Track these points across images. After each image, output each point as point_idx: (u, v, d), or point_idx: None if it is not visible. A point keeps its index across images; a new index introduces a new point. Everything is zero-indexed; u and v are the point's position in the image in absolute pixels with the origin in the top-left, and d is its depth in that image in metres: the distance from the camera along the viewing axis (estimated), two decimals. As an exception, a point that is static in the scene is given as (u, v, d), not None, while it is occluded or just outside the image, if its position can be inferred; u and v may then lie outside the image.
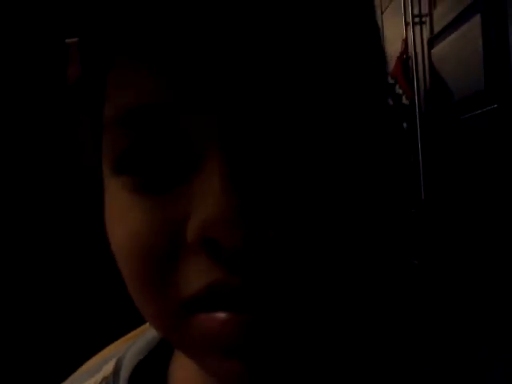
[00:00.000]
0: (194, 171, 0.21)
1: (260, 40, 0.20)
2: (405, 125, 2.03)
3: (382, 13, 2.53)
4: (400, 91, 2.05)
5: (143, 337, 0.34)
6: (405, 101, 2.03)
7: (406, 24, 2.03)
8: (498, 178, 1.40)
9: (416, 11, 1.95)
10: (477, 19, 1.45)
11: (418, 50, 2.01)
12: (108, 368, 0.33)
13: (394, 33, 2.14)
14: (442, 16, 1.75)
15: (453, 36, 1.67)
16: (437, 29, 1.82)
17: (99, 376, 0.33)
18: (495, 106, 1.38)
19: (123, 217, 0.23)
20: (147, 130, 0.22)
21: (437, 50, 1.83)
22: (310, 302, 0.22)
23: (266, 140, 0.21)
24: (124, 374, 0.32)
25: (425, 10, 1.91)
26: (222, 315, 0.21)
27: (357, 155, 0.22)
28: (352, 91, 0.22)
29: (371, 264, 0.24)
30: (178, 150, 0.21)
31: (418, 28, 2.00)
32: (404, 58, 2.05)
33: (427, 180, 1.97)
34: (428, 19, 1.93)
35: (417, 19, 1.99)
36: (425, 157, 1.97)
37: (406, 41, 2.06)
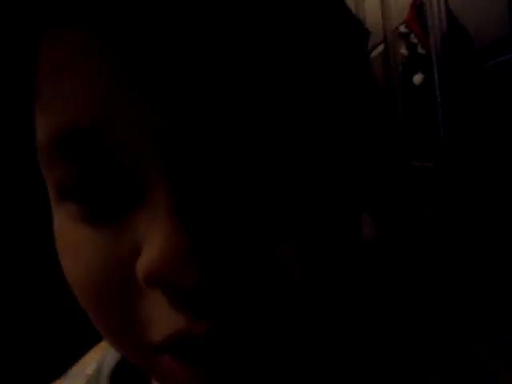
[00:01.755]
0: (139, 201, 0.20)
1: (206, 61, 0.18)
2: (421, 76, 1.93)
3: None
4: (415, 40, 1.95)
5: None
6: (421, 50, 1.93)
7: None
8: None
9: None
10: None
11: (433, -6, 1.89)
12: (91, 368, 0.33)
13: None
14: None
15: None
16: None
17: (83, 375, 0.33)
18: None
19: (73, 249, 0.22)
20: (82, 155, 0.20)
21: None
22: (279, 339, 0.21)
23: (212, 167, 0.20)
24: (105, 371, 0.32)
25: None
26: (185, 364, 0.20)
27: (313, 183, 0.21)
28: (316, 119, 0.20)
29: (344, 281, 0.23)
30: (120, 178, 0.20)
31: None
32: (418, 3, 1.93)
33: (448, 133, 1.89)
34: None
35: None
36: (444, 109, 1.89)
37: (419, -15, 1.93)
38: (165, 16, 0.18)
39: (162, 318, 0.20)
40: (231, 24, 0.19)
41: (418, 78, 1.95)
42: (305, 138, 0.20)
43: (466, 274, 1.48)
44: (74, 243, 0.21)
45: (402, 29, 2.02)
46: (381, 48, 2.75)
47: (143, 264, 0.19)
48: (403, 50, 2.03)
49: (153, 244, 0.18)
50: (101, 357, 0.33)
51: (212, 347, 0.20)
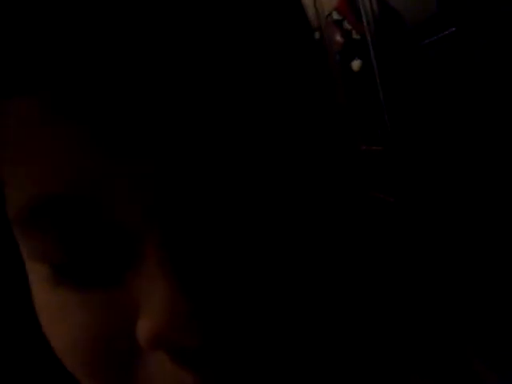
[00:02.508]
0: (130, 262, 0.19)
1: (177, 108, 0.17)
2: (359, 62, 1.94)
3: None
4: (349, 26, 1.96)
5: None
6: (355, 36, 1.94)
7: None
8: (462, 104, 1.35)
9: None
10: None
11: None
12: None
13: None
14: None
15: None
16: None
17: None
18: (453, 29, 1.31)
19: (61, 319, 0.20)
20: (60, 225, 0.19)
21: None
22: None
23: (200, 221, 0.19)
24: None
25: None
26: None
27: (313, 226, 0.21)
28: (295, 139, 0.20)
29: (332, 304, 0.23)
30: (107, 241, 0.19)
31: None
32: (348, -11, 1.94)
33: (391, 115, 1.91)
34: None
35: None
36: (385, 92, 1.91)
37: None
38: (117, 75, 0.17)
39: (165, 378, 0.19)
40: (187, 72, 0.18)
41: (356, 64, 1.97)
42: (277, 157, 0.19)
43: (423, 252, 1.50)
44: (61, 311, 0.20)
45: (335, 15, 2.02)
46: (316, 37, 2.76)
47: (144, 329, 0.18)
48: (338, 38, 2.04)
49: (152, 308, 0.18)
50: None
51: None
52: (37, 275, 0.21)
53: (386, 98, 1.88)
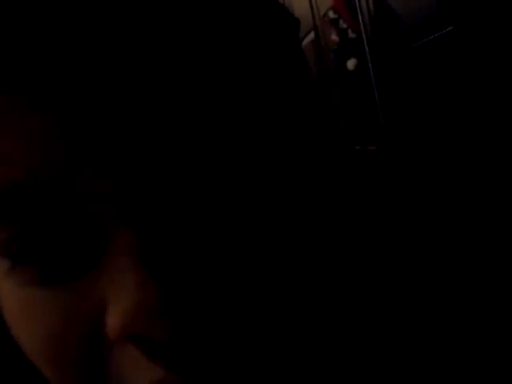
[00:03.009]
0: (98, 257, 0.19)
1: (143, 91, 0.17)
2: (355, 60, 1.94)
3: None
4: (345, 25, 1.95)
5: None
6: (351, 35, 1.93)
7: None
8: (458, 104, 1.35)
9: None
10: None
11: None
12: None
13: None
14: None
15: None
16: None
17: None
18: (451, 28, 1.30)
19: (28, 316, 0.20)
20: (27, 213, 0.18)
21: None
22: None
23: (167, 211, 0.18)
24: None
25: None
26: None
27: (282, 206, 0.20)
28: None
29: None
30: (73, 232, 0.19)
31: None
32: (344, -12, 1.93)
33: (386, 115, 1.91)
34: None
35: None
36: (380, 92, 1.90)
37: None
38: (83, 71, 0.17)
39: (136, 372, 0.19)
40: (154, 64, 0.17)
41: (351, 63, 1.96)
42: (248, 141, 0.19)
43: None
44: (28, 308, 0.20)
45: (331, 14, 2.02)
46: (311, 36, 2.76)
47: (112, 322, 0.18)
48: (334, 36, 2.03)
49: (120, 301, 0.18)
50: None
51: None
52: (6, 283, 0.20)
53: (381, 98, 1.88)
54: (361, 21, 1.86)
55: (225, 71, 0.18)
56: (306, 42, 2.61)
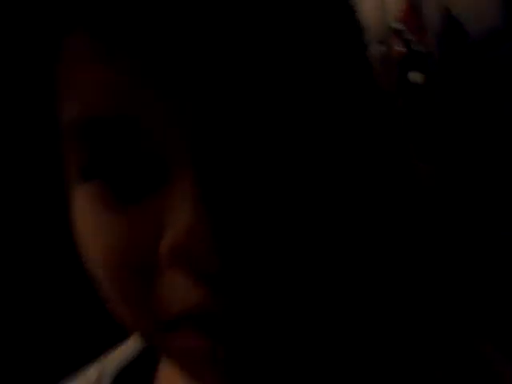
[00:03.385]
0: (164, 182, 0.20)
1: (227, 42, 0.19)
2: (418, 73, 1.89)
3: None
4: (410, 37, 1.91)
5: (126, 345, 0.35)
6: (416, 47, 1.89)
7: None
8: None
9: None
10: None
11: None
12: (92, 375, 0.34)
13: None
14: None
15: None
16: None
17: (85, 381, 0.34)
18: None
19: (95, 229, 0.22)
20: (107, 140, 0.21)
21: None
22: (291, 325, 0.22)
23: (231, 148, 0.20)
24: (106, 379, 0.33)
25: None
26: (200, 337, 0.21)
27: (340, 168, 0.22)
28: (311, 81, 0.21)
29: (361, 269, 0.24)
30: (145, 162, 0.21)
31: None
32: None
33: (446, 132, 1.84)
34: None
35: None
36: (442, 106, 1.84)
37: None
38: (173, 17, 0.19)
39: (182, 293, 0.20)
40: (233, 23, 0.19)
41: (415, 76, 1.91)
42: (307, 127, 0.21)
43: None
44: (95, 221, 0.22)
45: (397, 25, 1.98)
46: (379, 47, 2.73)
47: (167, 242, 0.20)
48: (399, 48, 1.99)
49: (177, 223, 0.19)
50: (101, 367, 0.34)
51: (228, 322, 0.20)
52: (80, 198, 0.23)
53: (444, 114, 1.82)
54: (428, 33, 1.82)
55: (292, 63, 0.20)
56: (373, 51, 2.58)
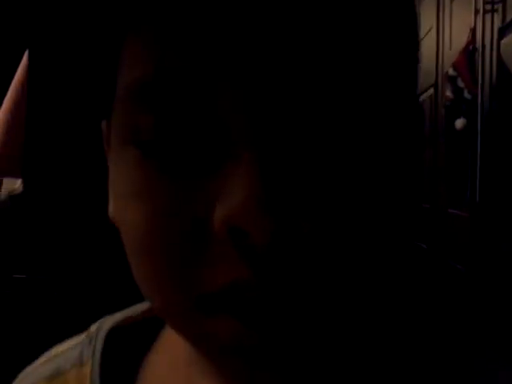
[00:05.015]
0: (222, 158, 0.20)
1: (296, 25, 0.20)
2: (464, 121, 1.89)
3: (451, 0, 2.36)
4: (462, 85, 1.91)
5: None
6: (466, 95, 1.89)
7: (476, 12, 1.88)
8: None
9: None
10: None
11: (487, 40, 1.85)
12: (93, 327, 0.33)
13: (463, 22, 1.99)
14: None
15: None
16: (509, 17, 1.66)
17: (85, 334, 0.33)
18: None
19: (142, 194, 0.22)
20: (167, 105, 0.21)
21: (507, 40, 1.68)
22: (332, 311, 0.22)
23: (295, 134, 0.21)
24: (103, 331, 0.31)
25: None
26: (237, 325, 0.20)
27: (381, 151, 0.22)
28: (378, 85, 0.22)
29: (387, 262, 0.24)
30: (204, 133, 0.21)
31: (488, 16, 1.84)
32: (471, 49, 1.90)
33: (484, 181, 1.83)
34: (500, 6, 1.78)
35: (488, 6, 1.83)
36: (484, 156, 1.83)
37: (473, 30, 1.91)
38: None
39: (227, 268, 0.20)
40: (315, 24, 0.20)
41: (460, 123, 1.91)
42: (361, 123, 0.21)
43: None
44: (143, 187, 0.22)
45: (451, 72, 1.99)
46: (431, 91, 2.72)
47: (223, 211, 0.20)
48: (448, 93, 2.00)
49: (234, 195, 0.19)
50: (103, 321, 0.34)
51: (265, 306, 0.20)
52: (125, 159, 0.23)
53: (483, 164, 1.80)
54: (479, 82, 1.82)
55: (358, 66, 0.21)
56: (425, 96, 2.58)
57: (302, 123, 0.20)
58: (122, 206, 0.23)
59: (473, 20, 1.92)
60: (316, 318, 0.21)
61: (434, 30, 2.62)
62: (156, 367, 0.30)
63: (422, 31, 2.51)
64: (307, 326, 0.21)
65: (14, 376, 0.35)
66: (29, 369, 0.32)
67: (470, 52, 1.90)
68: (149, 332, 0.31)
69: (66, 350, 0.32)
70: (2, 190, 1.21)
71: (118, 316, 0.32)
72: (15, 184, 1.18)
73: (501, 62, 1.73)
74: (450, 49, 2.14)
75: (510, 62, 1.66)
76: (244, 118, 0.20)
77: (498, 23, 1.77)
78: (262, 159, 0.20)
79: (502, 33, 1.72)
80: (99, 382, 0.30)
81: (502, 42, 1.72)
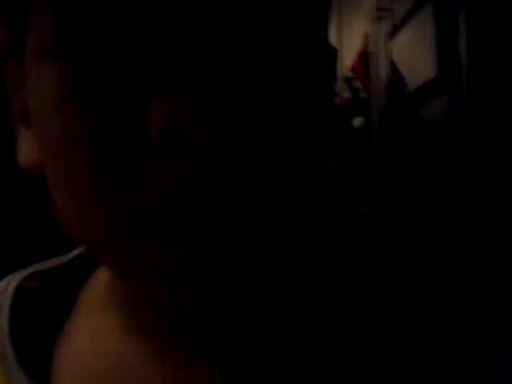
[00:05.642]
0: (153, 70, 0.20)
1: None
2: (361, 118, 1.99)
3: (349, 10, 2.51)
4: (358, 85, 2.02)
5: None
6: (363, 94, 2.00)
7: (369, 19, 2.00)
8: (451, 167, 1.36)
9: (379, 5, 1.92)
10: (430, 9, 1.43)
11: (380, 44, 1.98)
12: (4, 281, 0.31)
13: (359, 29, 2.11)
14: (402, 8, 1.72)
15: (409, 27, 1.64)
16: (397, 22, 1.79)
17: None
18: (445, 92, 1.34)
19: (64, 105, 0.21)
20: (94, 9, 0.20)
21: (395, 42, 1.80)
22: (264, 221, 0.21)
23: (223, 42, 0.21)
24: (11, 286, 0.30)
25: (386, 3, 1.88)
26: (171, 242, 0.20)
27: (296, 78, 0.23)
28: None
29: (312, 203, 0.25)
30: (129, 60, 0.20)
31: (380, 23, 1.97)
32: (365, 52, 2.03)
33: (382, 176, 1.92)
34: (390, 14, 1.90)
35: (380, 13, 1.95)
36: (380, 152, 1.94)
37: (367, 36, 2.04)
38: None
39: (162, 175, 0.20)
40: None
41: (357, 121, 2.02)
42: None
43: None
44: (65, 98, 0.21)
45: (348, 73, 2.10)
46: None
47: (159, 111, 0.19)
48: (346, 94, 2.11)
49: (169, 95, 0.19)
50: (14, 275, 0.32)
51: (193, 219, 0.20)
52: (46, 74, 0.21)
53: (380, 158, 1.90)
54: (372, 82, 1.93)
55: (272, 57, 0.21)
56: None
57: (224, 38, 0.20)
58: (46, 122, 0.22)
59: (367, 26, 2.04)
60: (244, 235, 0.21)
61: (334, 38, 2.76)
62: (76, 335, 0.28)
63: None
64: (235, 243, 0.21)
65: None
66: None
67: (365, 55, 2.02)
68: (65, 292, 0.30)
69: None
70: None
71: (28, 272, 0.31)
72: None
73: (392, 62, 1.86)
74: (349, 54, 2.26)
75: (398, 60, 1.78)
76: (174, 32, 0.20)
77: (387, 28, 1.90)
78: (191, 68, 0.19)
79: (391, 36, 1.85)
80: (9, 341, 0.28)
81: (390, 43, 1.85)
